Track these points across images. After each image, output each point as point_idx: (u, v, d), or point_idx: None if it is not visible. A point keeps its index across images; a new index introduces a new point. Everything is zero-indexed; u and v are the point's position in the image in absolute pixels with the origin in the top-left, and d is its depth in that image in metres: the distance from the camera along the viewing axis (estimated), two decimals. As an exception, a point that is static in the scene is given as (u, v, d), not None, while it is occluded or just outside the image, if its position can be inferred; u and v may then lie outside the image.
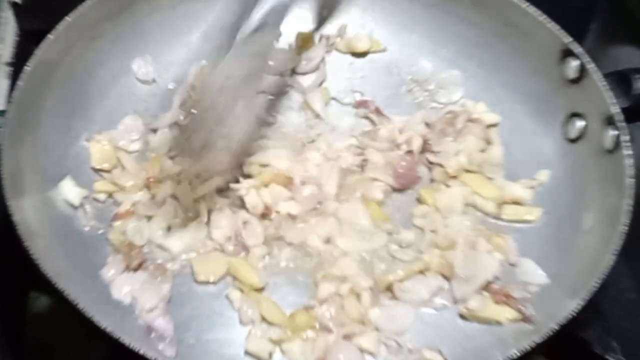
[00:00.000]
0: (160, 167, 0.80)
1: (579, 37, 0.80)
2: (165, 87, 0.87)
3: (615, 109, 0.75)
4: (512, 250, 0.77)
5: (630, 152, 0.73)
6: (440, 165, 0.83)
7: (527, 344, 0.64)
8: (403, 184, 0.82)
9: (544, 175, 0.82)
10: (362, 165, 0.83)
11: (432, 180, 0.82)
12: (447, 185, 0.82)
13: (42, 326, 0.75)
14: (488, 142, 0.85)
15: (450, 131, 0.85)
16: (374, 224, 0.78)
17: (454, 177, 0.82)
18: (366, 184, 0.81)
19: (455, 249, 0.76)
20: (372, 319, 0.72)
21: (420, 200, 0.81)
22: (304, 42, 0.92)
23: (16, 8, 0.91)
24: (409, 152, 0.83)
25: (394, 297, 0.74)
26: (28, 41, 0.86)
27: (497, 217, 0.80)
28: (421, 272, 0.75)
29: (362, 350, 0.70)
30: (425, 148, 0.84)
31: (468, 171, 0.82)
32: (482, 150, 0.84)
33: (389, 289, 0.74)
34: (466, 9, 0.87)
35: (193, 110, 0.74)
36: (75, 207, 0.76)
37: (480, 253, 0.76)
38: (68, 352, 0.73)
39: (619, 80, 0.76)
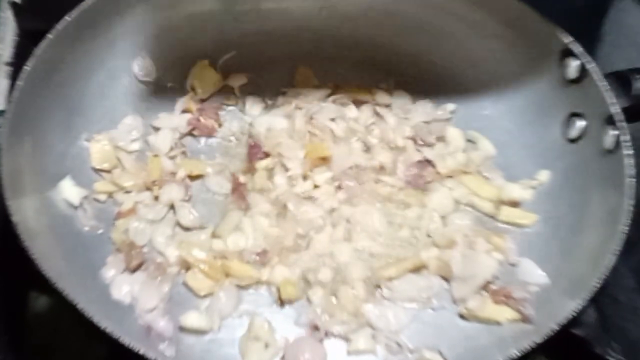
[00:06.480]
0: (160, 167, 0.80)
1: (579, 37, 0.80)
2: (166, 87, 0.87)
3: (616, 109, 0.75)
4: (512, 250, 0.77)
5: (631, 152, 0.73)
6: (433, 166, 0.83)
7: (526, 343, 0.65)
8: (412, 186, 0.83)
9: (544, 176, 0.82)
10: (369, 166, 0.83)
11: (427, 181, 0.82)
12: (443, 186, 0.82)
13: (42, 326, 0.75)
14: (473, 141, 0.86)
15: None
16: (387, 226, 0.79)
17: (450, 177, 0.82)
18: (374, 184, 0.82)
19: (453, 249, 0.76)
20: (366, 315, 0.72)
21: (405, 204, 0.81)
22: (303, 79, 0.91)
23: (16, 8, 0.91)
24: (418, 161, 0.83)
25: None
26: (28, 41, 0.86)
27: (495, 218, 0.80)
28: (415, 270, 0.75)
29: (359, 351, 0.71)
30: (419, 147, 0.84)
31: (466, 172, 0.82)
32: (474, 149, 0.85)
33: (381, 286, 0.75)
34: (466, 9, 0.87)
35: None
36: (75, 207, 0.76)
37: (479, 253, 0.76)
38: (68, 352, 0.73)
39: (619, 80, 0.76)
